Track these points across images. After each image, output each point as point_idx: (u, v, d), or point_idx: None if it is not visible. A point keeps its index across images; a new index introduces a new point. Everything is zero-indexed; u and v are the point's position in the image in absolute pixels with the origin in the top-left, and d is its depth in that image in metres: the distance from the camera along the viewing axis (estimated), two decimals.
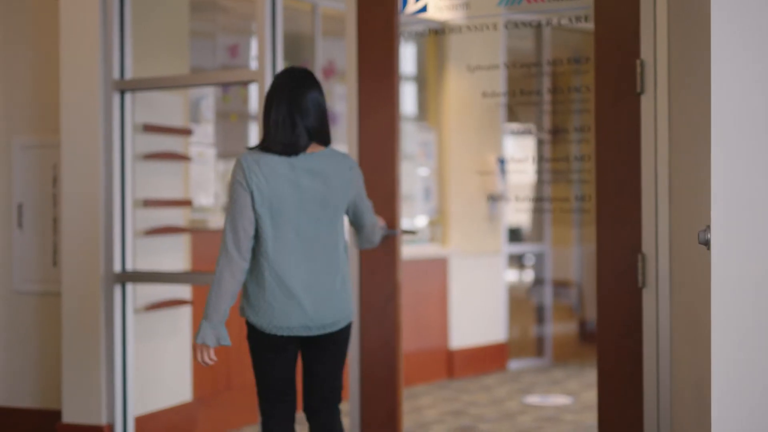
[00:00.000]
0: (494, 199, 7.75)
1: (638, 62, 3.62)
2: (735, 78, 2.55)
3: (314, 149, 3.46)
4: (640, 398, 3.66)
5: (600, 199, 3.72)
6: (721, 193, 2.58)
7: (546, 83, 7.70)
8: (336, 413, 3.60)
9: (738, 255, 2.56)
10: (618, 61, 3.67)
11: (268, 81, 4.32)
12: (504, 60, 7.76)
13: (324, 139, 3.49)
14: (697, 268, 3.06)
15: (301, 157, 3.42)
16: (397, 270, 4.28)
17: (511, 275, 8.69)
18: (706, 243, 2.63)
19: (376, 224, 3.79)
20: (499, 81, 7.73)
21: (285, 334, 3.43)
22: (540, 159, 7.99)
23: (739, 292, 2.56)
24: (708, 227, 2.62)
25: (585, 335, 9.31)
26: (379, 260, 4.25)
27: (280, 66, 4.39)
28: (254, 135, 7.26)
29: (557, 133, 8.23)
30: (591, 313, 9.31)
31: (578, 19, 4.13)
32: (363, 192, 3.62)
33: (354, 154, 4.26)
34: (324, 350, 3.52)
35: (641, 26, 3.62)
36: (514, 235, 8.49)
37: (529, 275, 9.22)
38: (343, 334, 3.54)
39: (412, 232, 4.55)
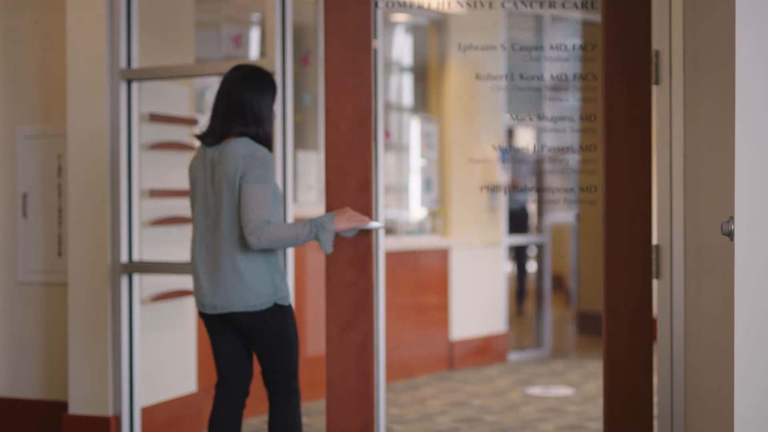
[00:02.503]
0: (494, 189, 7.74)
1: (653, 52, 3.61)
2: (761, 68, 2.54)
3: (232, 139, 3.69)
4: (649, 388, 3.66)
5: (609, 190, 3.69)
6: (746, 184, 2.58)
7: (546, 74, 7.66)
8: (281, 407, 3.75)
9: (762, 246, 2.56)
10: (630, 51, 3.66)
11: (278, 70, 4.31)
12: (505, 53, 7.74)
13: (247, 133, 3.68)
14: (715, 259, 3.05)
15: (216, 146, 3.70)
16: (372, 272, 3.70)
17: (510, 266, 8.69)
18: (730, 234, 2.62)
19: (252, 221, 3.55)
20: (499, 71, 7.71)
21: (198, 308, 3.77)
22: (540, 148, 7.98)
23: (763, 282, 2.56)
24: (731, 218, 2.61)
25: (583, 327, 9.32)
26: (350, 260, 3.66)
27: (289, 55, 4.37)
28: None
29: (557, 122, 8.22)
30: (587, 305, 9.32)
31: (583, 4, 4.08)
32: (252, 184, 3.55)
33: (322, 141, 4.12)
34: (246, 336, 3.73)
35: (656, 15, 3.61)
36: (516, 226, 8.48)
37: (531, 266, 9.21)
38: (253, 320, 3.65)
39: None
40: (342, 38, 3.70)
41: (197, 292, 3.72)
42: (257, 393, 5.59)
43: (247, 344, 3.77)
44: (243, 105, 3.68)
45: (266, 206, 3.57)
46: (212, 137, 3.69)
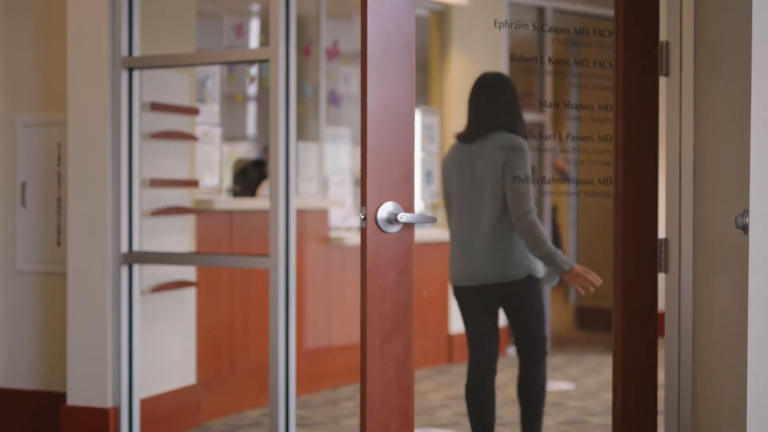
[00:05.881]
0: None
1: (663, 44, 3.58)
2: None
3: None
4: (655, 382, 3.63)
5: (622, 183, 3.66)
6: (761, 177, 2.54)
7: (548, 68, 7.63)
8: (527, 367, 4.36)
9: None
10: (639, 42, 3.62)
11: (281, 60, 4.25)
12: (507, 43, 7.72)
13: None
14: (726, 253, 3.02)
15: None
16: (413, 273, 3.17)
17: None
18: (744, 227, 2.59)
19: None
20: (500, 61, 7.68)
21: (455, 282, 4.37)
22: (540, 139, 7.95)
23: None
24: (746, 211, 2.58)
25: (582, 322, 9.31)
26: (392, 261, 3.08)
27: (293, 45, 4.32)
28: (253, 116, 7.19)
29: (557, 111, 8.18)
30: (586, 300, 9.29)
31: None
32: None
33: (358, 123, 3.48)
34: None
35: (666, 6, 3.57)
36: None
37: None
38: (505, 290, 4.20)
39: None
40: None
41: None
42: (256, 386, 5.56)
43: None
44: None
45: None
46: None
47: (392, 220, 2.93)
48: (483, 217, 4.13)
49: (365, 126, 2.98)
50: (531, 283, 4.19)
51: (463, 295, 4.28)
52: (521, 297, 4.18)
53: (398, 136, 3.07)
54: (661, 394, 3.62)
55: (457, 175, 4.22)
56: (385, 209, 2.95)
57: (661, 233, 3.59)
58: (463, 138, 4.25)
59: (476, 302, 4.26)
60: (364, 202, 2.93)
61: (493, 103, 4.18)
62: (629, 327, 3.62)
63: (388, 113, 3.05)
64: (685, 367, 3.55)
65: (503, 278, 4.15)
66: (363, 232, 2.91)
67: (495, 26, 4.05)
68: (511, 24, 4.34)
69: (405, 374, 3.16)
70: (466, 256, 4.19)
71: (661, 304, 3.64)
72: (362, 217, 2.93)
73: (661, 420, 3.65)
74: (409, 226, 3.02)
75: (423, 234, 7.34)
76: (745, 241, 2.59)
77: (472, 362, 4.34)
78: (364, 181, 2.94)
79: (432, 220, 3.08)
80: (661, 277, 3.60)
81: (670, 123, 3.57)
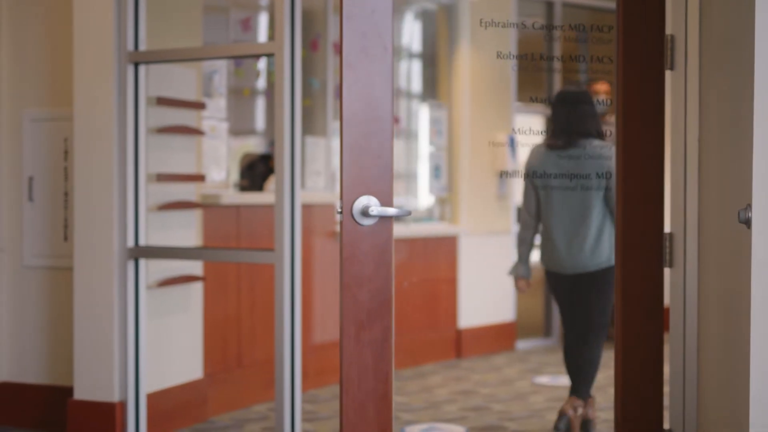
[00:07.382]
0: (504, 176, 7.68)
1: (668, 37, 3.56)
2: None
3: None
4: (661, 377, 3.61)
5: (625, 177, 3.64)
6: (763, 171, 2.53)
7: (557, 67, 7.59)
8: (584, 349, 5.00)
9: None
10: (645, 36, 3.60)
11: (286, 54, 4.25)
12: (515, 38, 7.69)
13: None
14: (730, 247, 3.01)
15: None
16: (392, 264, 3.24)
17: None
18: (747, 222, 2.58)
19: None
20: (507, 57, 7.66)
21: (552, 269, 5.02)
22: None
23: None
24: (749, 206, 2.57)
25: None
26: (369, 252, 3.18)
27: (298, 39, 4.32)
28: (262, 110, 7.18)
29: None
30: None
31: None
32: None
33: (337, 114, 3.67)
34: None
35: (671, 0, 3.56)
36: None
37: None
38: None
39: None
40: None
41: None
42: (262, 380, 5.56)
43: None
44: None
45: None
46: None
47: (367, 213, 3.04)
48: (585, 214, 4.73)
49: (342, 123, 3.10)
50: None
51: (556, 281, 4.95)
52: (605, 282, 4.78)
53: (376, 134, 3.16)
54: (666, 389, 3.62)
55: (551, 176, 4.77)
56: (361, 203, 3.07)
57: (666, 228, 3.58)
58: (554, 145, 4.72)
59: (568, 287, 4.88)
60: (342, 195, 3.06)
61: (579, 113, 4.73)
62: (630, 322, 3.61)
63: (366, 111, 3.15)
64: (690, 361, 3.54)
65: (598, 265, 4.76)
66: (341, 224, 3.06)
67: (481, 26, 4.06)
68: (498, 23, 4.31)
69: (383, 359, 3.27)
70: (564, 248, 4.80)
71: (667, 299, 3.63)
72: (338, 210, 3.07)
73: (666, 415, 3.64)
74: (386, 219, 3.12)
75: (429, 229, 7.33)
76: (749, 236, 2.58)
77: (567, 335, 5.07)
78: (342, 175, 3.06)
79: (407, 214, 3.15)
80: (666, 272, 3.59)
81: (675, 117, 3.55)
